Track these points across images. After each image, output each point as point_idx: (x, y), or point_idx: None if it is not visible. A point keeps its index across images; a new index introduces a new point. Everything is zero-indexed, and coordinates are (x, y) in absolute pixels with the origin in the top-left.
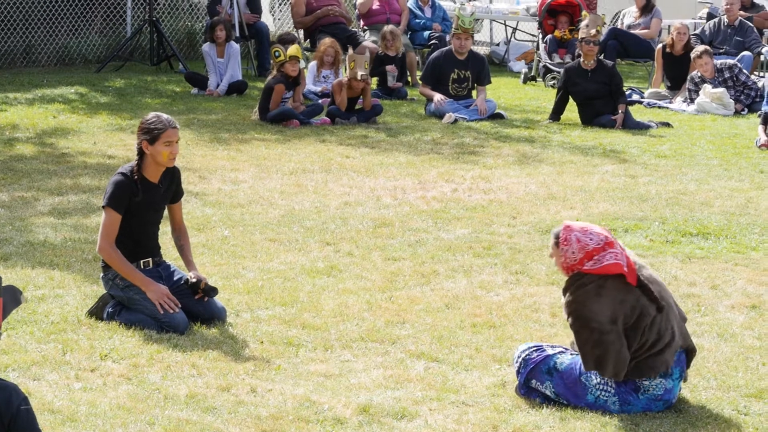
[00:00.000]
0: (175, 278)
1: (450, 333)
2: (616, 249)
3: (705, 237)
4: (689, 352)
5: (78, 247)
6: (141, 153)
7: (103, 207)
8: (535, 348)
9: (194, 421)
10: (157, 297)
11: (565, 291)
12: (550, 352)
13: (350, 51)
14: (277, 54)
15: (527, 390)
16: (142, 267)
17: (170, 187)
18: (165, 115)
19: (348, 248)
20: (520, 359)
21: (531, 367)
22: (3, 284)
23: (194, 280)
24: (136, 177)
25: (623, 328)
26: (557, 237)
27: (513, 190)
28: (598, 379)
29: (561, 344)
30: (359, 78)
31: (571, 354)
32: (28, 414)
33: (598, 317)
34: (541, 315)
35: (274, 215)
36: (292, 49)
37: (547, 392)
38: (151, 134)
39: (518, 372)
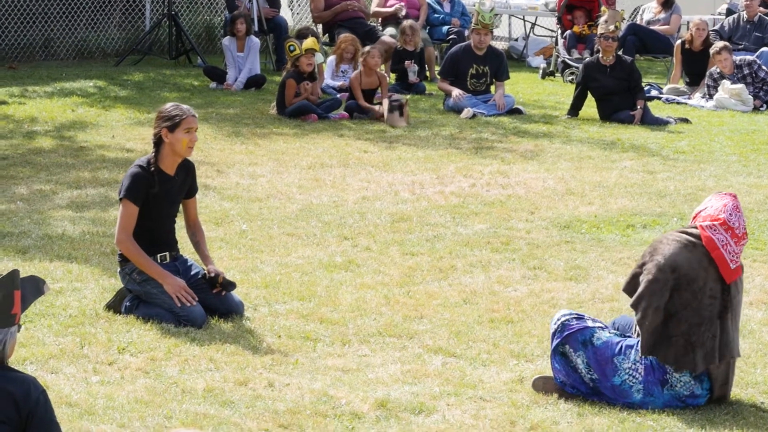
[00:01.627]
0: (192, 272)
1: (468, 328)
2: (738, 247)
3: None
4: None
5: (96, 241)
6: (158, 143)
7: (120, 199)
8: (576, 316)
9: (212, 415)
10: (174, 290)
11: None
12: (590, 324)
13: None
14: (291, 48)
15: (556, 362)
16: (159, 261)
17: (186, 180)
18: (184, 105)
19: (366, 243)
20: (558, 323)
21: (568, 333)
22: (24, 275)
23: (212, 274)
24: (152, 169)
25: (675, 284)
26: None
27: (531, 185)
28: (630, 364)
29: (602, 321)
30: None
31: (610, 332)
32: (46, 406)
33: (666, 255)
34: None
35: (292, 209)
36: (309, 42)
37: (578, 361)
38: (171, 121)
39: (554, 334)
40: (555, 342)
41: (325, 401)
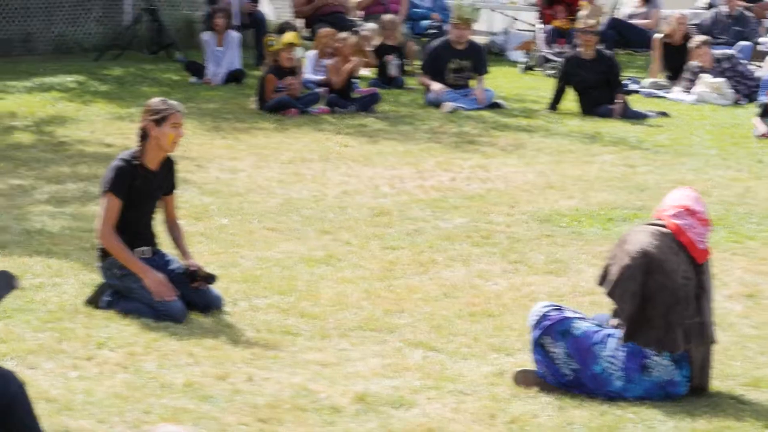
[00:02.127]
0: (171, 267)
1: (448, 322)
2: (704, 230)
3: None
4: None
5: (76, 236)
6: (143, 137)
7: (103, 192)
8: (555, 307)
9: (191, 410)
10: (155, 284)
11: None
12: (569, 315)
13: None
14: (270, 43)
15: (537, 354)
16: (138, 255)
17: (167, 176)
18: (171, 100)
19: (346, 237)
20: (538, 315)
21: (548, 324)
22: None
23: (192, 268)
24: (136, 163)
25: (647, 269)
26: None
27: (511, 179)
28: (610, 352)
29: (581, 312)
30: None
31: (589, 322)
32: (24, 399)
33: (634, 244)
34: None
35: (272, 204)
36: (288, 36)
37: (559, 352)
38: (158, 115)
39: (534, 326)
40: (535, 334)
41: (305, 395)
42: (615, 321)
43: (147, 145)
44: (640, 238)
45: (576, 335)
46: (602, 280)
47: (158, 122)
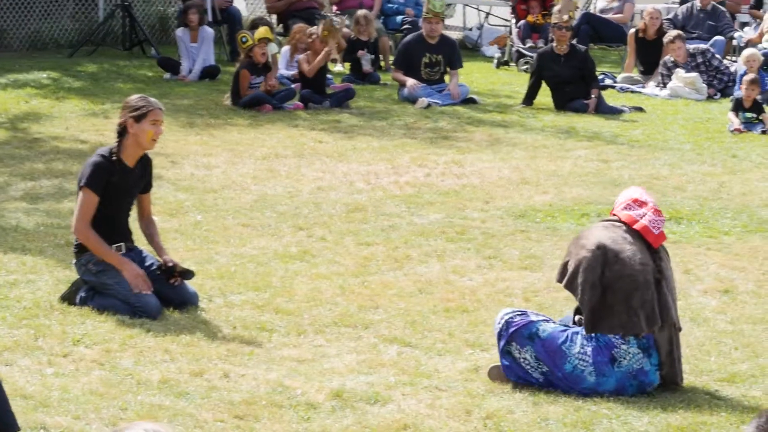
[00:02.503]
0: (147, 263)
1: (423, 318)
2: (658, 218)
3: (677, 221)
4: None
5: (50, 232)
6: (122, 134)
7: (80, 188)
8: (519, 313)
9: (167, 407)
10: (133, 277)
11: None
12: (533, 318)
13: (328, 21)
14: (244, 40)
15: (505, 360)
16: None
17: (143, 175)
18: (151, 98)
19: (321, 233)
20: (502, 321)
21: (513, 330)
22: None
23: (169, 264)
24: (114, 158)
25: (604, 260)
26: None
27: (486, 174)
28: (578, 349)
29: (545, 314)
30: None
31: (554, 324)
32: (1, 397)
33: (589, 238)
34: (515, 300)
35: (246, 200)
36: (261, 31)
37: (527, 357)
38: (138, 111)
39: (499, 335)
40: (501, 343)
41: (281, 392)
42: (577, 316)
43: (125, 141)
44: (594, 233)
45: (543, 337)
46: (561, 276)
47: (137, 119)
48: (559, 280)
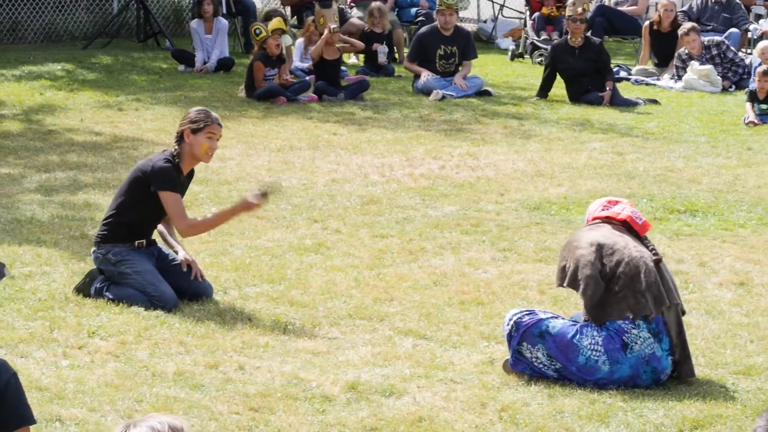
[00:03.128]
0: (169, 257)
1: (438, 310)
2: (636, 210)
3: (693, 214)
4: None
5: (65, 224)
6: (179, 142)
7: (159, 191)
8: (527, 312)
9: (182, 399)
10: (246, 205)
11: None
12: (542, 316)
13: (317, 7)
14: (257, 32)
15: (516, 360)
16: (135, 246)
17: (188, 184)
18: (213, 112)
19: (335, 225)
20: (511, 322)
21: (523, 331)
22: None
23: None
24: (177, 162)
25: (600, 254)
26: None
27: (501, 167)
28: (589, 340)
29: (553, 311)
30: (332, 31)
31: (563, 319)
32: (17, 389)
33: (580, 239)
34: (529, 292)
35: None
36: (274, 22)
37: (539, 355)
38: (196, 124)
39: (510, 336)
40: (513, 344)
41: (296, 384)
42: (585, 315)
43: (182, 149)
44: (583, 234)
45: (553, 333)
46: (561, 280)
47: (194, 131)
48: (560, 284)
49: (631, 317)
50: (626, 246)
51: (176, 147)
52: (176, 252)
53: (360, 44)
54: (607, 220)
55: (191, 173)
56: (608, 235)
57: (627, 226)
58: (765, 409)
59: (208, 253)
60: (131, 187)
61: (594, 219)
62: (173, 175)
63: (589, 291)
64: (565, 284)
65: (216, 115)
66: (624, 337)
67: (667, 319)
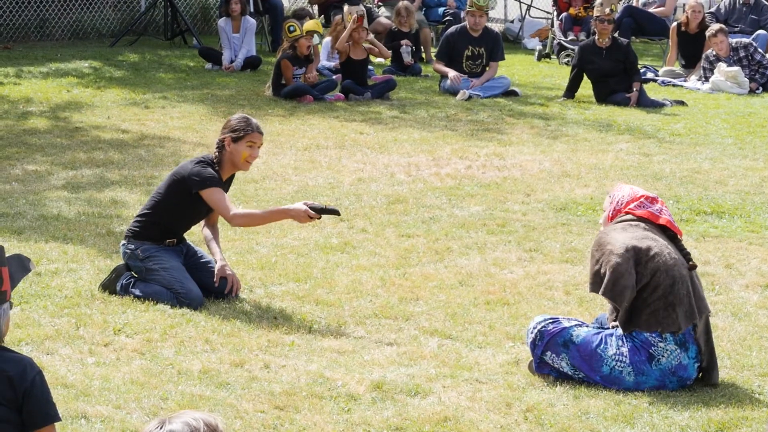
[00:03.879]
0: (198, 255)
1: (464, 310)
2: (664, 207)
3: (719, 216)
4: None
5: (91, 221)
6: (220, 150)
7: (201, 191)
8: (551, 320)
9: (207, 397)
10: (298, 214)
11: None
12: (566, 324)
13: (346, 7)
14: (291, 29)
15: (540, 364)
16: (166, 244)
17: (227, 191)
18: (253, 120)
19: (362, 224)
20: (535, 330)
21: (547, 340)
22: (9, 254)
23: (325, 206)
24: (216, 168)
25: (636, 260)
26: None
27: (527, 167)
28: (614, 350)
29: (576, 318)
30: (357, 17)
31: (587, 327)
32: (42, 387)
33: (614, 242)
34: (555, 293)
35: (287, 191)
36: (310, 24)
37: (563, 365)
38: (236, 133)
39: (534, 344)
40: (537, 353)
41: (321, 383)
42: (614, 321)
43: (223, 156)
44: (616, 236)
45: (577, 343)
46: (596, 286)
47: (235, 140)
48: (595, 290)
49: (659, 331)
50: (661, 253)
51: (216, 154)
52: (215, 260)
53: (387, 52)
54: (642, 218)
55: (230, 180)
56: (642, 238)
57: (662, 228)
58: None
59: (234, 252)
60: (169, 189)
61: (627, 213)
62: (210, 172)
63: (626, 303)
64: (600, 292)
65: (257, 123)
66: (651, 350)
67: (696, 328)
